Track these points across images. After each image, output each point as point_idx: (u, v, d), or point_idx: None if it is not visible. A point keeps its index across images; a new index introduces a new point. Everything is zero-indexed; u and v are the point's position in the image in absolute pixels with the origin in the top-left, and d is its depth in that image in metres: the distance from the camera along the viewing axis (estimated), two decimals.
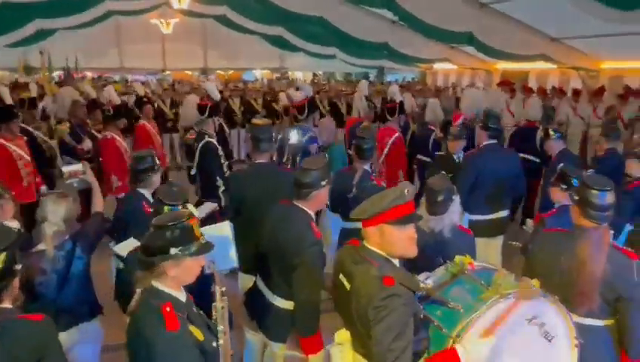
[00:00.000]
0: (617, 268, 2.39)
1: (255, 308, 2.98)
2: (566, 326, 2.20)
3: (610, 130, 5.04)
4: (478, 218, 4.18)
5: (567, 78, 11.97)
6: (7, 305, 1.89)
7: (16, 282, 1.91)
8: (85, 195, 3.46)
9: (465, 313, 2.04)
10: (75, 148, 5.97)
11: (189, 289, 2.01)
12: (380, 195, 2.07)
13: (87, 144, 6.03)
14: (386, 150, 5.61)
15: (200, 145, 4.95)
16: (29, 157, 5.25)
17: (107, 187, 5.57)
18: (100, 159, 5.85)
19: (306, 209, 2.73)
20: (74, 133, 6.13)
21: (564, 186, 3.27)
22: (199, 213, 3.48)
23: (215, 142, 5.01)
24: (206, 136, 5.01)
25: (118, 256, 2.84)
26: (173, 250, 1.82)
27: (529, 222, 4.18)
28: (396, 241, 2.03)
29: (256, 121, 3.82)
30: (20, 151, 5.19)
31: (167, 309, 1.80)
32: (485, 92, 7.95)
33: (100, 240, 3.11)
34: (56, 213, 2.80)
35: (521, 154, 5.47)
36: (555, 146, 4.77)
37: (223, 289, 2.12)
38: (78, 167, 3.40)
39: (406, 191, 2.03)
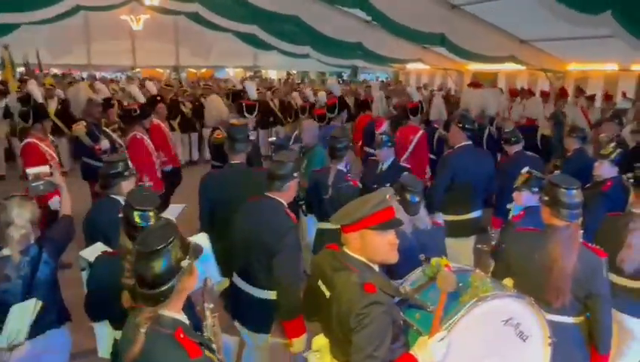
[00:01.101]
0: (587, 265, 2.46)
1: (237, 306, 3.01)
2: (540, 326, 2.25)
3: (577, 130, 5.18)
4: (452, 218, 4.24)
5: (535, 79, 12.28)
6: None
7: None
8: None
9: (444, 316, 2.04)
10: (93, 148, 5.78)
11: None
12: (361, 200, 2.05)
13: (105, 144, 5.85)
14: (410, 148, 5.78)
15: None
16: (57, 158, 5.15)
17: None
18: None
19: (280, 199, 2.89)
20: (90, 133, 5.94)
21: (535, 189, 3.30)
22: (169, 216, 3.41)
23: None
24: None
25: (87, 262, 2.74)
26: (185, 263, 1.70)
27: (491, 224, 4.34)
28: (377, 247, 2.02)
29: (233, 121, 3.80)
30: (50, 151, 5.09)
31: (181, 336, 1.67)
32: (490, 92, 8.06)
33: (67, 244, 3.00)
34: (21, 215, 2.69)
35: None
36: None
37: (211, 305, 2.06)
38: (44, 168, 3.28)
39: (387, 196, 2.02)
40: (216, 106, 6.19)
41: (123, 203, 3.08)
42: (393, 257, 2.07)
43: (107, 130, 6.37)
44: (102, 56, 19.03)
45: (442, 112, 7.13)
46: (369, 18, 11.50)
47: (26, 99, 7.39)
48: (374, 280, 1.97)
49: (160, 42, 19.37)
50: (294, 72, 23.24)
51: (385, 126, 6.10)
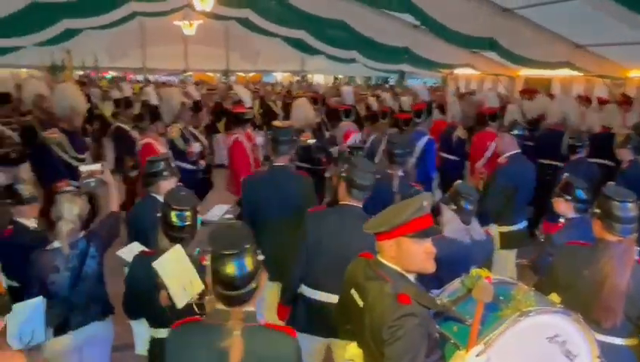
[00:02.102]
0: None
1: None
2: (588, 345, 2.12)
3: (630, 140, 4.88)
4: (505, 229, 4.13)
5: (591, 86, 11.70)
6: None
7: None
8: None
9: (483, 330, 1.96)
10: (187, 151, 5.92)
11: None
12: (397, 207, 2.00)
13: (196, 146, 6.00)
14: (488, 154, 5.74)
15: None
16: None
17: (236, 189, 5.47)
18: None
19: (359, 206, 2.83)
20: (183, 137, 6.06)
21: (568, 197, 3.15)
22: (212, 216, 3.48)
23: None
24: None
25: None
26: (260, 257, 1.73)
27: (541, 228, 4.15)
28: (414, 256, 1.95)
29: (276, 123, 3.82)
30: (164, 150, 5.19)
31: (270, 323, 1.80)
32: (570, 99, 7.81)
33: (113, 240, 3.12)
34: (71, 210, 2.83)
35: (599, 160, 5.59)
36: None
37: None
38: (96, 166, 3.42)
39: (425, 203, 1.96)
40: (304, 109, 6.27)
41: (161, 201, 3.20)
42: (430, 267, 2.00)
43: (196, 132, 6.50)
44: (156, 60, 19.77)
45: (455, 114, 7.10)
46: (416, 22, 11.36)
47: (119, 102, 7.71)
48: (409, 290, 1.91)
49: (211, 47, 19.89)
50: (341, 76, 23.28)
51: (355, 136, 5.84)
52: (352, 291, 2.09)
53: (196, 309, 1.95)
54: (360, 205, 2.83)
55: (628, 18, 6.25)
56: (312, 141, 5.71)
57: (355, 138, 5.73)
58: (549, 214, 4.57)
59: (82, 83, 12.44)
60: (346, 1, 11.65)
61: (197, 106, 7.42)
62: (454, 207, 2.86)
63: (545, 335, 2.05)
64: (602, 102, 9.37)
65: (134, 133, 6.11)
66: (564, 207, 3.20)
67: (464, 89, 16.32)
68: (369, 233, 2.25)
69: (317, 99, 8.70)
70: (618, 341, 2.39)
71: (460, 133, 6.77)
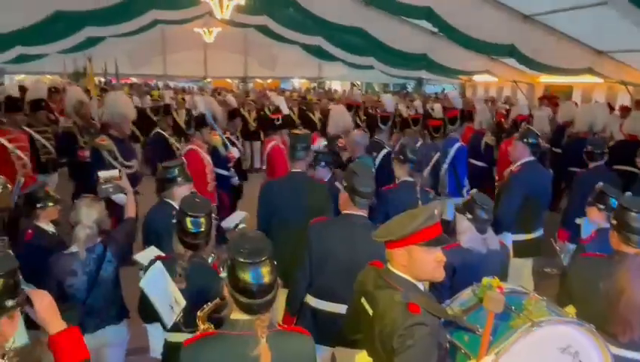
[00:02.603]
0: None
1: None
2: (602, 357, 2.08)
3: None
4: (519, 238, 4.06)
5: (614, 93, 11.49)
6: None
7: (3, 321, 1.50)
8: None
9: (494, 340, 1.94)
10: (227, 157, 6.00)
11: None
12: (408, 215, 1.99)
13: (236, 152, 6.10)
14: None
15: (381, 155, 5.35)
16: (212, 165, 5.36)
17: None
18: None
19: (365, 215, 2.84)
20: (223, 143, 6.17)
21: (601, 206, 3.11)
22: (229, 223, 3.51)
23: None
24: (385, 147, 5.42)
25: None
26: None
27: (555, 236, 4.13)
28: (424, 264, 1.95)
29: (295, 130, 3.85)
30: (208, 157, 5.23)
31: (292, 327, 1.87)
32: (600, 107, 7.72)
33: (131, 245, 3.17)
34: (89, 215, 2.89)
35: (624, 167, 5.54)
36: None
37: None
38: (114, 172, 3.49)
39: (436, 211, 1.96)
40: (342, 116, 6.38)
41: (175, 206, 3.24)
42: (440, 275, 2.00)
43: (233, 138, 6.60)
44: (176, 66, 20.11)
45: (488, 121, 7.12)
46: (434, 29, 11.33)
47: (157, 109, 7.76)
48: (419, 300, 1.90)
49: (230, 53, 20.14)
50: (358, 82, 23.30)
51: (320, 142, 5.77)
52: (362, 300, 2.09)
53: (201, 323, 1.94)
54: (365, 213, 2.82)
55: None
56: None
57: (319, 143, 5.73)
58: (563, 222, 4.51)
59: (104, 90, 12.67)
60: (363, 7, 11.69)
61: (234, 114, 7.62)
62: (470, 216, 2.84)
63: (557, 345, 2.02)
64: (623, 109, 9.19)
65: (173, 140, 6.25)
66: (597, 216, 3.16)
67: (483, 96, 16.18)
68: (378, 242, 2.27)
69: (352, 106, 8.80)
70: (636, 355, 2.33)
71: (488, 139, 6.75)
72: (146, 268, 2.84)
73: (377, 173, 5.00)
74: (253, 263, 1.64)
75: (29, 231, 3.17)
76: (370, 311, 2.01)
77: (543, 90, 13.38)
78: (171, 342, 2.51)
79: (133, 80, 20.32)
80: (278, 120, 6.04)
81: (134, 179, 5.01)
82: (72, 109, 6.40)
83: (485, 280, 2.32)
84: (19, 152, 5.28)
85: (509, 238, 3.81)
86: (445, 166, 5.81)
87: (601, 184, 3.23)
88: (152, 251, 2.77)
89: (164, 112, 7.02)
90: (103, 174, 3.47)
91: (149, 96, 10.90)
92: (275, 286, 1.71)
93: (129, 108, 5.68)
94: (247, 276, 1.64)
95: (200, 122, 5.33)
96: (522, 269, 3.93)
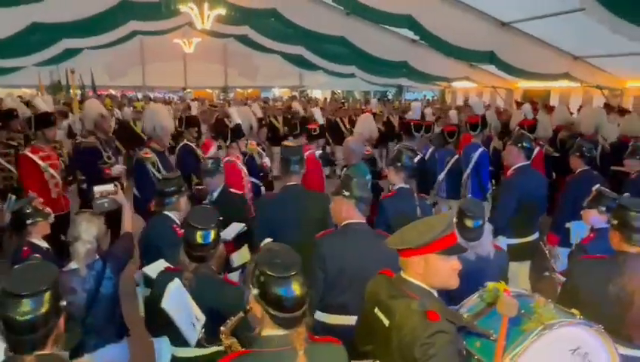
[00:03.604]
0: None
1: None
2: (609, 357, 2.11)
3: (638, 151, 4.91)
4: (513, 242, 4.11)
5: (590, 97, 11.81)
6: (49, 351, 1.65)
7: (61, 322, 1.70)
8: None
9: (508, 345, 1.95)
10: (261, 165, 5.96)
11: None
12: (425, 224, 1.99)
13: (268, 161, 6.11)
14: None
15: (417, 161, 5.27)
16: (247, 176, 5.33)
17: None
18: None
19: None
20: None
21: (602, 209, 3.18)
22: (226, 234, 3.47)
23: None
24: (418, 153, 5.50)
25: (147, 278, 2.82)
26: None
27: (545, 240, 4.24)
28: (441, 272, 1.95)
29: (287, 142, 3.79)
30: (245, 169, 5.20)
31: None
32: (602, 111, 7.92)
33: (128, 261, 3.11)
34: (89, 231, 2.81)
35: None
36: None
37: None
38: (109, 187, 3.42)
39: (454, 220, 1.98)
40: (367, 125, 6.49)
41: (174, 218, 3.20)
42: (455, 283, 2.00)
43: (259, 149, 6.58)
44: (155, 77, 19.96)
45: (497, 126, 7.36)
46: (415, 37, 11.49)
47: (180, 120, 7.56)
48: (436, 307, 1.90)
49: (210, 63, 20.09)
50: (339, 91, 23.45)
51: (213, 149, 5.79)
52: (376, 310, 2.06)
53: (225, 339, 1.90)
54: (365, 220, 2.81)
55: (626, 30, 6.31)
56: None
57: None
58: (553, 226, 4.59)
59: (82, 102, 12.47)
60: (344, 16, 11.80)
61: (260, 123, 7.74)
62: (456, 222, 2.84)
63: (568, 347, 2.03)
64: (621, 111, 9.41)
65: (200, 151, 6.17)
66: (596, 218, 3.22)
67: (462, 102, 16.45)
68: (387, 249, 2.27)
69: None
70: None
71: (495, 144, 6.86)
72: (146, 283, 2.79)
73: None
74: (287, 277, 1.63)
75: (25, 248, 3.09)
76: (387, 322, 1.99)
77: (521, 95, 13.67)
78: (179, 357, 2.46)
79: (111, 92, 20.04)
80: (315, 130, 6.10)
81: None
82: (92, 124, 6.26)
83: (491, 284, 2.33)
84: (51, 171, 5.15)
85: (504, 242, 3.85)
86: (469, 170, 5.94)
87: (598, 187, 3.30)
88: (160, 264, 2.72)
89: (187, 124, 6.88)
90: (98, 188, 3.40)
91: (131, 108, 10.74)
92: (308, 297, 1.69)
93: (169, 120, 5.64)
94: (280, 291, 1.62)
95: (236, 133, 5.31)
96: (518, 273, 3.97)
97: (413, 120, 6.66)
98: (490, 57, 10.12)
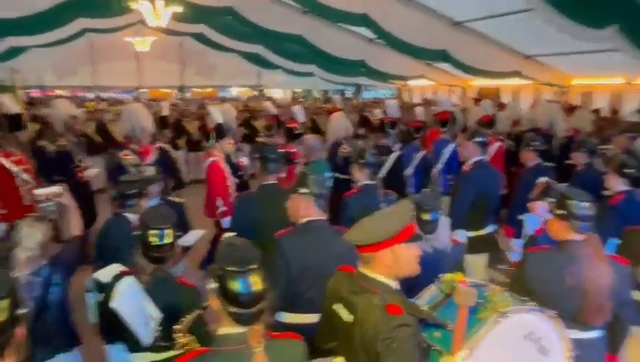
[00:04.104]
0: (618, 275, 2.45)
1: None
2: (561, 340, 2.19)
3: (585, 144, 5.15)
4: (470, 234, 4.17)
5: (539, 94, 12.30)
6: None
7: (20, 332, 1.59)
8: None
9: (466, 334, 1.99)
10: (237, 164, 5.80)
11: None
12: (385, 216, 1.99)
13: (245, 160, 5.93)
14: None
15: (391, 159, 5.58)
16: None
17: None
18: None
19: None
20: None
21: (552, 200, 3.29)
22: (185, 241, 3.38)
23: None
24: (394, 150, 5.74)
25: (98, 284, 2.70)
26: None
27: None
28: (407, 260, 1.96)
29: (262, 139, 3.71)
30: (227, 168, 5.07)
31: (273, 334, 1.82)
32: (557, 107, 8.19)
33: (78, 265, 2.98)
34: (30, 237, 2.67)
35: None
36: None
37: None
38: (54, 189, 3.24)
39: (413, 208, 1.99)
40: (342, 123, 6.53)
41: (133, 220, 3.10)
42: (418, 269, 2.02)
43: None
44: (107, 77, 19.25)
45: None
46: (372, 36, 11.62)
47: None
48: (396, 301, 1.90)
49: (165, 63, 19.57)
50: (299, 90, 23.41)
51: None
52: (337, 306, 2.05)
53: (181, 337, 1.84)
54: (324, 217, 2.79)
55: (571, 29, 6.59)
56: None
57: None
58: (508, 219, 4.75)
59: (30, 103, 11.93)
60: (302, 15, 11.79)
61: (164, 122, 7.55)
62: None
63: (521, 333, 2.10)
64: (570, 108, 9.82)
65: (175, 153, 6.02)
66: (544, 210, 3.33)
67: (419, 100, 16.77)
68: (347, 245, 2.24)
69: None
70: (600, 334, 2.51)
71: (460, 140, 7.00)
72: (98, 288, 2.67)
73: (389, 175, 5.43)
74: (243, 271, 1.59)
75: None
76: (349, 318, 1.98)
77: (475, 92, 14.07)
78: None
79: (60, 92, 19.22)
80: (295, 128, 6.10)
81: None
82: (63, 125, 5.89)
83: (448, 276, 2.37)
84: (25, 176, 4.87)
85: (464, 235, 3.94)
86: (440, 166, 6.05)
87: (546, 179, 3.42)
88: (114, 268, 2.61)
89: (161, 124, 6.63)
90: (41, 191, 3.22)
91: (84, 108, 10.34)
92: (267, 295, 1.66)
93: (148, 120, 5.49)
94: (237, 285, 1.58)
95: (221, 133, 5.20)
96: (475, 265, 4.06)
97: (387, 117, 6.70)
98: (444, 56, 10.35)
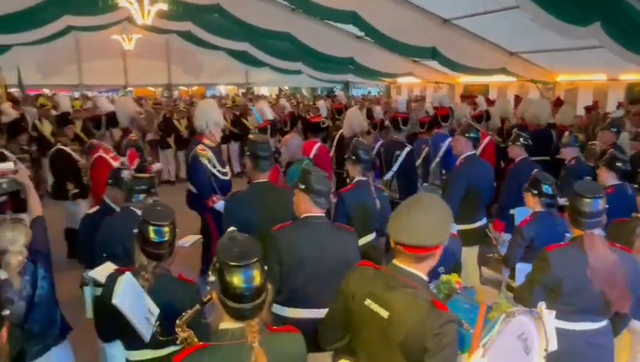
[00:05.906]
0: (631, 265, 2.53)
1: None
2: (539, 337, 2.21)
3: (578, 139, 5.27)
4: (462, 227, 4.21)
5: (525, 91, 12.44)
6: None
7: (3, 334, 1.59)
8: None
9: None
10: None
11: None
12: (437, 215, 1.91)
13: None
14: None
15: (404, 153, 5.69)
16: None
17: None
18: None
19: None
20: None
21: (535, 192, 3.36)
22: (182, 243, 3.36)
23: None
24: (407, 146, 5.84)
25: (95, 283, 2.68)
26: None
27: (490, 227, 4.46)
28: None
29: (253, 136, 3.64)
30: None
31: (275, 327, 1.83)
32: (543, 102, 8.29)
33: (50, 248, 2.89)
34: (16, 240, 2.56)
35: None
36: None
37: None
38: (7, 165, 3.09)
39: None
40: (356, 118, 6.62)
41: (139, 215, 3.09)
42: None
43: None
44: (93, 75, 19.02)
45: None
46: (360, 33, 11.64)
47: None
48: (434, 296, 1.91)
49: (152, 61, 19.40)
50: (286, 88, 23.37)
51: (137, 161, 5.68)
52: (368, 302, 1.94)
53: (181, 332, 1.84)
54: (324, 213, 2.79)
55: (556, 26, 6.68)
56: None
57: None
58: (498, 213, 4.82)
59: (16, 101, 11.74)
60: (290, 12, 11.76)
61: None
62: None
63: (516, 333, 2.13)
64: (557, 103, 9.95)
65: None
66: (532, 201, 3.39)
67: (407, 97, 16.85)
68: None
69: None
70: (607, 321, 2.60)
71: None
72: (95, 283, 2.65)
73: (400, 169, 5.66)
74: (242, 266, 1.58)
75: None
76: (385, 314, 1.88)
77: (462, 89, 14.18)
78: (134, 361, 2.36)
79: (45, 91, 18.93)
80: (323, 122, 6.23)
81: (227, 187, 5.09)
82: (129, 122, 5.93)
83: (444, 277, 2.40)
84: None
85: (455, 228, 3.98)
86: (438, 159, 6.21)
87: (536, 171, 3.49)
88: (109, 266, 2.59)
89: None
90: None
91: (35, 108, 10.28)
92: (266, 289, 1.65)
93: (221, 116, 5.64)
94: (236, 279, 1.58)
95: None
96: (467, 257, 4.10)
97: (400, 114, 6.76)
98: (432, 53, 10.41)
